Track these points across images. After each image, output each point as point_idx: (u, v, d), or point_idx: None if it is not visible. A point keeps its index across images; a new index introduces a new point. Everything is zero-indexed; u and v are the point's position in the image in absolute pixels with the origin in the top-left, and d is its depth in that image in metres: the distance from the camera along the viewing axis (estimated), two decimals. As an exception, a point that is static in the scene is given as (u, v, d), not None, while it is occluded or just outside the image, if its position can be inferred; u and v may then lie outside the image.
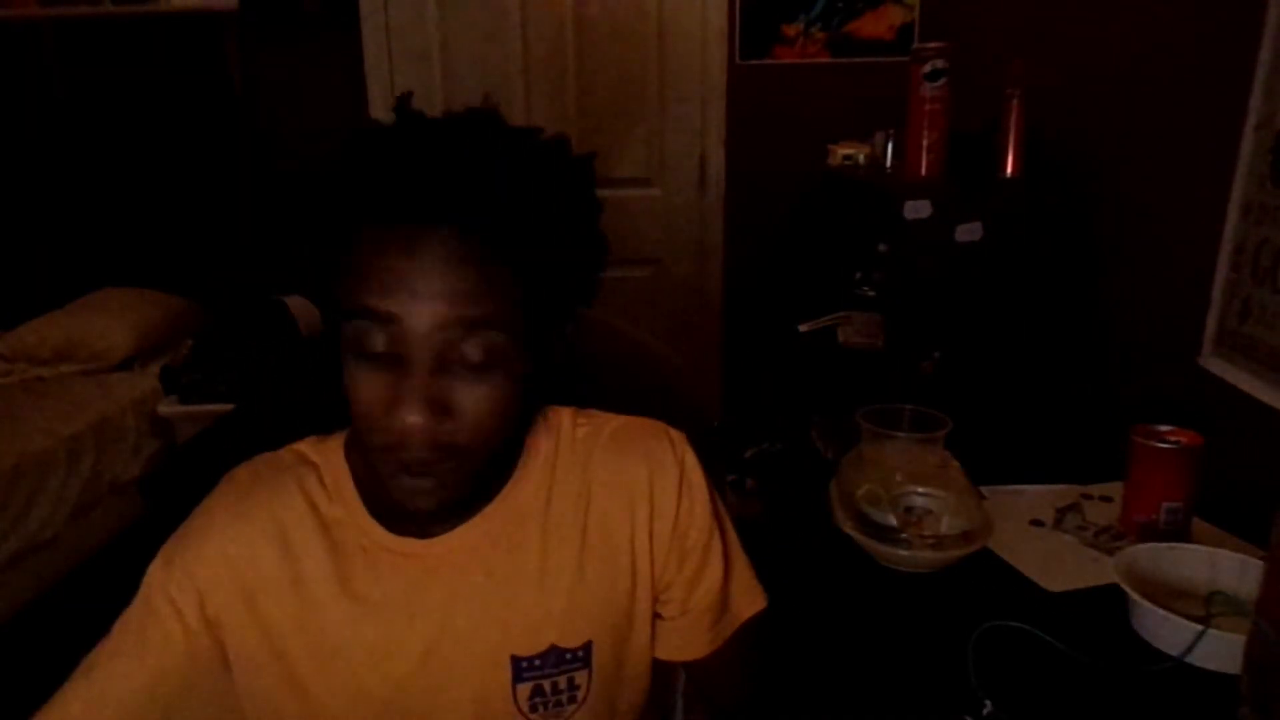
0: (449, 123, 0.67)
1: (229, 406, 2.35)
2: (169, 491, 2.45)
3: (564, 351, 0.75)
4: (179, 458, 2.52)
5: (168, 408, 2.56)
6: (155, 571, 0.73)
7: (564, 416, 0.81)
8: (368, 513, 0.75)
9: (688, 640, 0.83)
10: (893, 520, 1.15)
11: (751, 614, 0.85)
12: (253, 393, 1.98)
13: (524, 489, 0.77)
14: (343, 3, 2.81)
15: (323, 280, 0.67)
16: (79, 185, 3.05)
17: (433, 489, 0.67)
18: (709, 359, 3.06)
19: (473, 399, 0.65)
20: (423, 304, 0.62)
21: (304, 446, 0.79)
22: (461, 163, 0.63)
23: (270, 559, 0.74)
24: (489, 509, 0.76)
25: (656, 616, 0.82)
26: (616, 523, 0.78)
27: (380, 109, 2.84)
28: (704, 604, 0.82)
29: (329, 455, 0.78)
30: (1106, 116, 1.72)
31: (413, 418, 0.62)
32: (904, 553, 1.12)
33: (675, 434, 0.82)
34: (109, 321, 2.79)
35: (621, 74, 2.88)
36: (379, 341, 0.63)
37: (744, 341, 3.03)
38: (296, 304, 2.79)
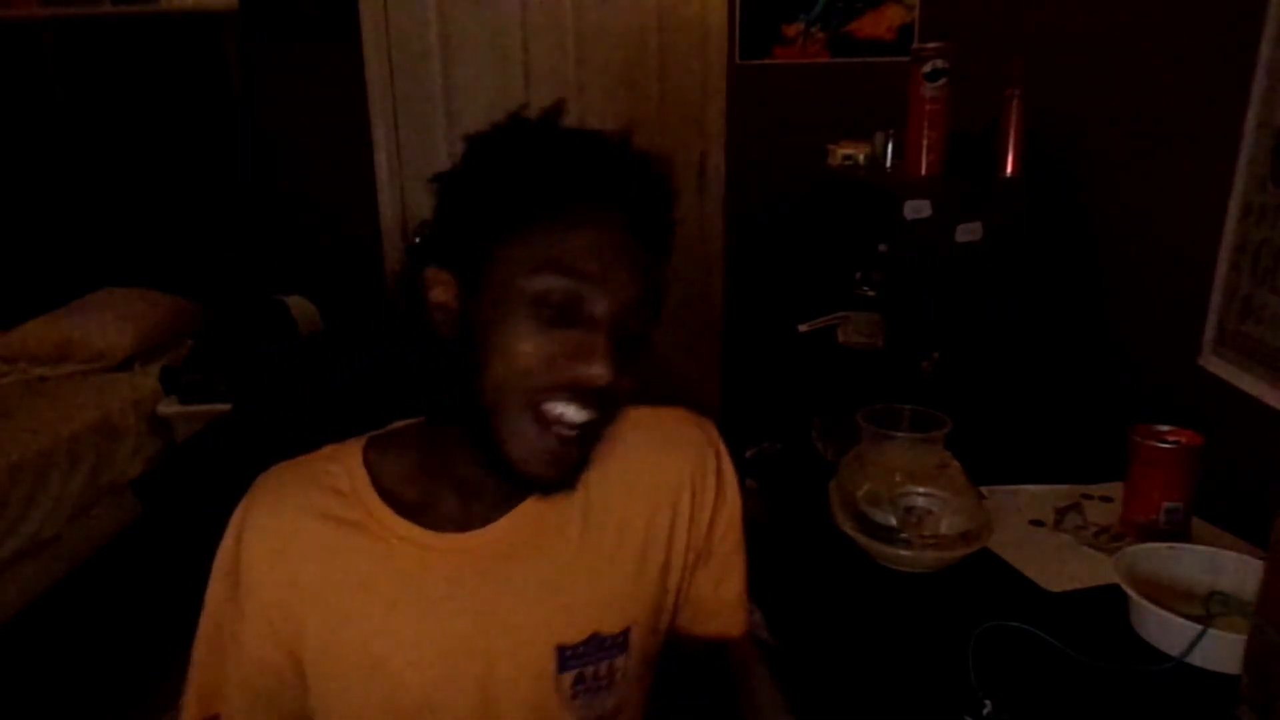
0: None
1: (229, 406, 2.34)
2: (162, 493, 2.45)
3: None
4: (172, 460, 2.52)
5: (168, 408, 2.55)
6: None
7: None
8: (394, 512, 0.75)
9: (730, 620, 0.90)
10: (893, 520, 1.15)
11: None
12: (251, 393, 1.98)
13: None
14: (342, 3, 2.81)
15: (487, 236, 0.69)
16: (79, 185, 3.05)
17: (570, 450, 0.70)
18: (709, 359, 3.06)
19: (632, 367, 0.70)
20: (620, 272, 0.68)
21: (325, 452, 0.79)
22: (627, 157, 0.74)
23: (307, 567, 0.74)
24: (527, 502, 0.76)
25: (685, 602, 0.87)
26: (659, 511, 0.81)
27: (379, 109, 2.84)
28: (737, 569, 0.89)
29: (346, 460, 0.78)
30: (1106, 117, 1.72)
31: (599, 369, 0.67)
32: (904, 553, 1.12)
33: (703, 421, 0.88)
34: (109, 321, 2.78)
35: (621, 74, 2.88)
36: (564, 298, 0.67)
37: (744, 341, 3.02)
38: (296, 304, 2.79)
